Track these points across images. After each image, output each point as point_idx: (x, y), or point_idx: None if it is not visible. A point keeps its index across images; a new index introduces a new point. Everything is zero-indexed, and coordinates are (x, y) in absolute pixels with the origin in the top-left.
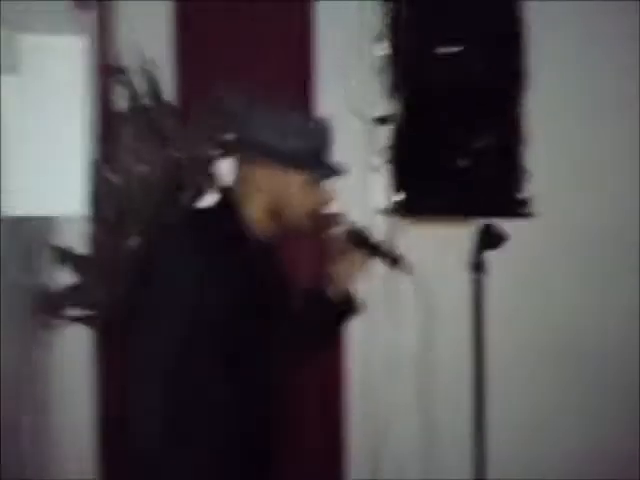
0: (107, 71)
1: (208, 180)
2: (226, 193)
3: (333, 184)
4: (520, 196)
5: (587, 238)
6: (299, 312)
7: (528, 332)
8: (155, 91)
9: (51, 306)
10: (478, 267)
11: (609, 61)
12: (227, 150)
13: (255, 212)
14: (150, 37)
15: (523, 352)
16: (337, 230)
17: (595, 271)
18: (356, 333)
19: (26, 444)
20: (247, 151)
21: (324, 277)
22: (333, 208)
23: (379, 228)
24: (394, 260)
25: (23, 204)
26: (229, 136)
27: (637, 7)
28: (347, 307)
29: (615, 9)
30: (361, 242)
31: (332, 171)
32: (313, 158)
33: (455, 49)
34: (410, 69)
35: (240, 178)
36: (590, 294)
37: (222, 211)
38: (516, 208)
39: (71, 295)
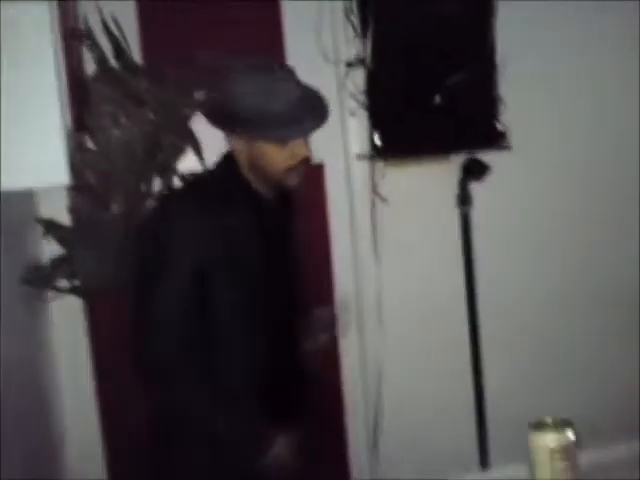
0: (73, 36)
1: (186, 139)
2: (226, 156)
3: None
4: (497, 128)
5: (566, 168)
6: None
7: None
8: (121, 52)
9: (41, 279)
10: (465, 199)
11: None
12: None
13: (246, 167)
14: None
15: (515, 283)
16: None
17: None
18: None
19: (31, 419)
20: (225, 126)
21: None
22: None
23: (359, 173)
24: None
25: (4, 179)
26: (201, 95)
27: None
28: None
29: None
30: None
31: (303, 131)
32: (281, 122)
33: None
34: (379, 9)
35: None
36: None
37: (224, 173)
38: (494, 140)
39: (59, 267)
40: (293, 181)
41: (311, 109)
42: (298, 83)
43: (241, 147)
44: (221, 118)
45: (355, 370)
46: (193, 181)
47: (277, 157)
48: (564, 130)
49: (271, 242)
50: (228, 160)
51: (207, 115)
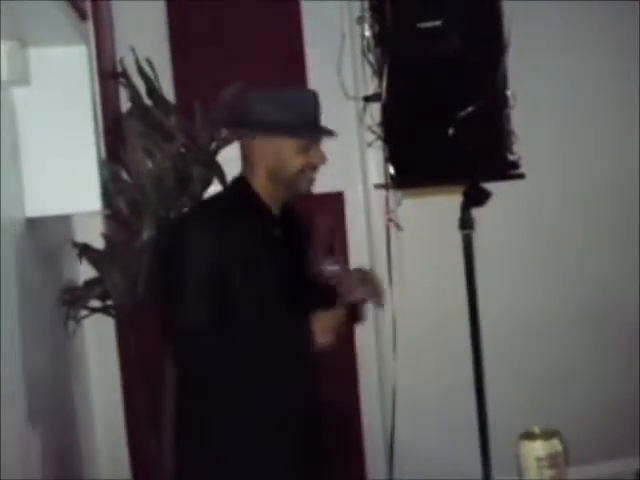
0: (109, 76)
1: (213, 171)
2: (238, 178)
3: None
4: (508, 158)
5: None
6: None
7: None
8: (153, 90)
9: (74, 299)
10: (467, 224)
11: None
12: (229, 136)
13: (260, 180)
14: (148, 40)
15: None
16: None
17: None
18: None
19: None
20: (246, 130)
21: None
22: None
23: (376, 201)
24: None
25: (44, 205)
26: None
27: None
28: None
29: None
30: None
31: (322, 133)
32: (303, 124)
33: (435, 23)
34: (393, 47)
35: (244, 157)
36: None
37: (237, 191)
38: (505, 170)
39: (93, 288)
40: (306, 185)
41: (320, 117)
42: (313, 95)
43: (260, 154)
44: (249, 121)
45: (373, 384)
46: (209, 199)
47: (295, 158)
48: (565, 153)
49: (279, 253)
50: (240, 181)
51: (234, 121)
